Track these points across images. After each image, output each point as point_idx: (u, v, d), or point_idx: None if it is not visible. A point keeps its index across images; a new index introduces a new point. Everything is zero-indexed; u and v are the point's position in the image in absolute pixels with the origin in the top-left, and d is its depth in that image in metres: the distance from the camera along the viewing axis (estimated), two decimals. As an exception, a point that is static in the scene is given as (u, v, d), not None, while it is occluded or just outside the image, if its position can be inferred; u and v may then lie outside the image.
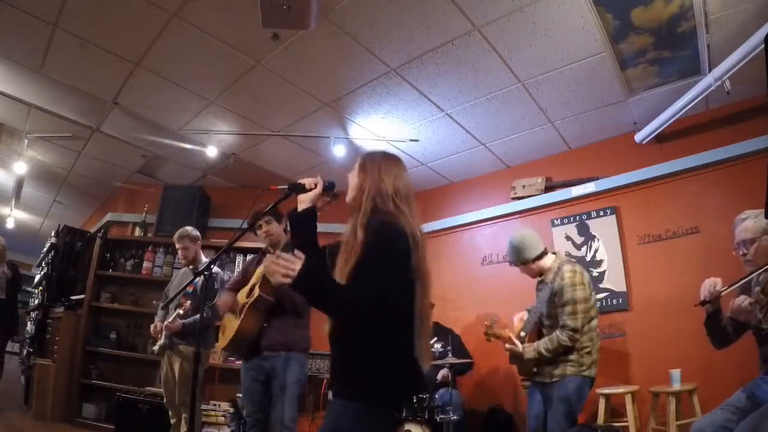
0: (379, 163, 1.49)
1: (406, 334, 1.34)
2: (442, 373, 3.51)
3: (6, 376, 4.55)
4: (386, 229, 1.33)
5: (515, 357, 2.68)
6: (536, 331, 2.71)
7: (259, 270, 2.46)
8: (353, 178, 1.51)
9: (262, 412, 2.44)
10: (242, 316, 2.40)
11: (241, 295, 2.56)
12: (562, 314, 2.51)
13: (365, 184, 1.44)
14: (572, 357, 2.49)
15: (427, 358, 1.39)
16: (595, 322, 2.57)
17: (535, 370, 2.62)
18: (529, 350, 2.55)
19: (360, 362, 1.30)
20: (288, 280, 1.22)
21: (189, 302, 3.03)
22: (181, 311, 2.99)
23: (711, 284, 1.88)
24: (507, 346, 2.64)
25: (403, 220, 1.38)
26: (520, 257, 2.69)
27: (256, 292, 2.37)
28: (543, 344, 2.51)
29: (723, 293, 1.84)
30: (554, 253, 2.76)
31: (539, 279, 2.74)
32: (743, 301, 1.75)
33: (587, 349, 2.50)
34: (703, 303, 1.88)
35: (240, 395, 3.07)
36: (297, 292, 1.27)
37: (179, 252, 3.33)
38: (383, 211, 1.40)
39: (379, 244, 1.30)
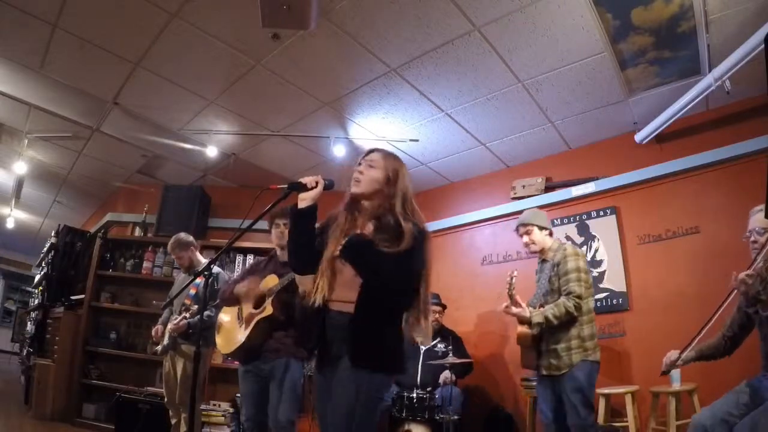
0: (401, 166, 1.68)
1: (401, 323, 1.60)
2: (445, 375, 3.47)
3: (6, 376, 4.56)
4: (425, 232, 1.59)
5: (522, 338, 2.67)
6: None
7: (272, 282, 2.44)
8: (374, 172, 1.62)
9: (261, 414, 2.43)
10: (251, 328, 2.39)
11: (246, 297, 2.53)
12: (567, 282, 2.55)
13: (396, 186, 1.61)
14: (574, 343, 2.52)
15: (427, 335, 1.82)
16: (591, 303, 2.62)
17: (538, 363, 2.63)
18: (536, 314, 2.56)
19: (384, 340, 1.52)
20: None
21: (196, 306, 3.02)
22: (187, 315, 2.98)
23: (667, 357, 2.20)
24: (514, 309, 2.62)
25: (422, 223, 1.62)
26: (530, 218, 2.79)
27: (269, 310, 2.37)
28: (550, 309, 2.52)
29: (678, 363, 2.17)
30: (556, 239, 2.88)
31: (540, 258, 2.81)
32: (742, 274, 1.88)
33: (588, 331, 2.54)
34: (663, 373, 2.23)
35: (239, 395, 3.05)
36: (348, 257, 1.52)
37: (176, 261, 3.36)
38: (404, 211, 1.60)
39: (422, 243, 1.55)
